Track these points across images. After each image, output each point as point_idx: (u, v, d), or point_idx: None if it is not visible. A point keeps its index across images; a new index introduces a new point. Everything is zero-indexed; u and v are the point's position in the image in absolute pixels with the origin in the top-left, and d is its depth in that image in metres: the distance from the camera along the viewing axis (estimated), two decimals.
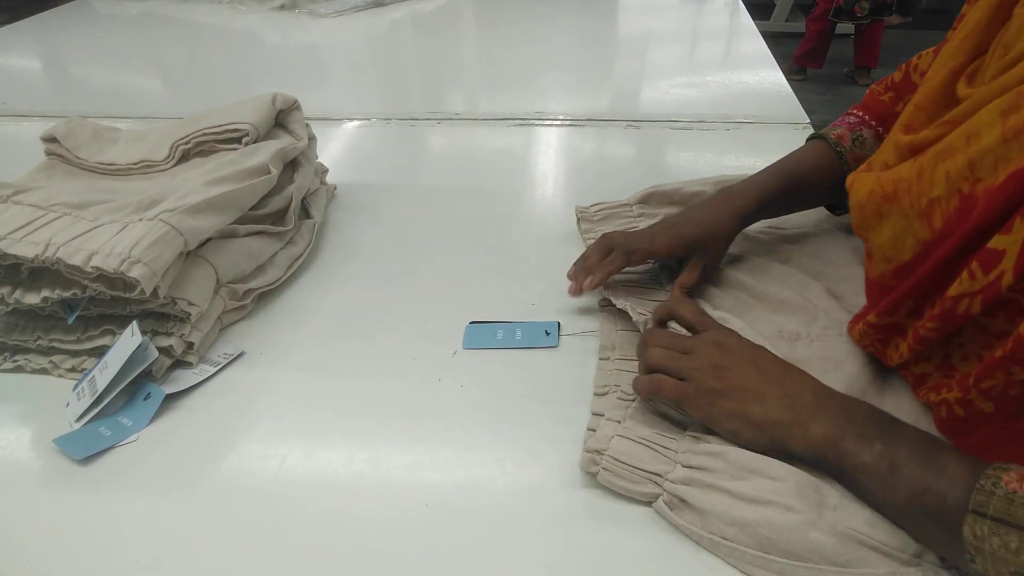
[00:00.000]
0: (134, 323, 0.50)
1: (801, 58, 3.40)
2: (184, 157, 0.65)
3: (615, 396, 0.47)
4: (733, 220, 0.57)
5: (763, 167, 0.60)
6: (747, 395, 0.42)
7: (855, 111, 0.62)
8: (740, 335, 0.47)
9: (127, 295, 0.50)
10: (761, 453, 0.40)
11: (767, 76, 1.07)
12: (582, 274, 0.56)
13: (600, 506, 0.42)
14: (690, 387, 0.43)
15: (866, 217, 0.45)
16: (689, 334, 0.48)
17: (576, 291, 0.56)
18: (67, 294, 0.51)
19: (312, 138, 0.71)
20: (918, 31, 3.63)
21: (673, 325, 0.50)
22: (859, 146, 0.59)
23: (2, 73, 1.25)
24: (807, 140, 0.63)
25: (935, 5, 4.07)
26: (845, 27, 3.33)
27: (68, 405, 0.50)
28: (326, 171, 0.77)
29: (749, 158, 0.81)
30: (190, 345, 0.53)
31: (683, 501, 0.40)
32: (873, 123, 0.61)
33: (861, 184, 0.46)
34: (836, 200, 0.64)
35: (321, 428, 0.48)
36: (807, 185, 0.60)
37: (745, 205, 0.57)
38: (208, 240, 0.56)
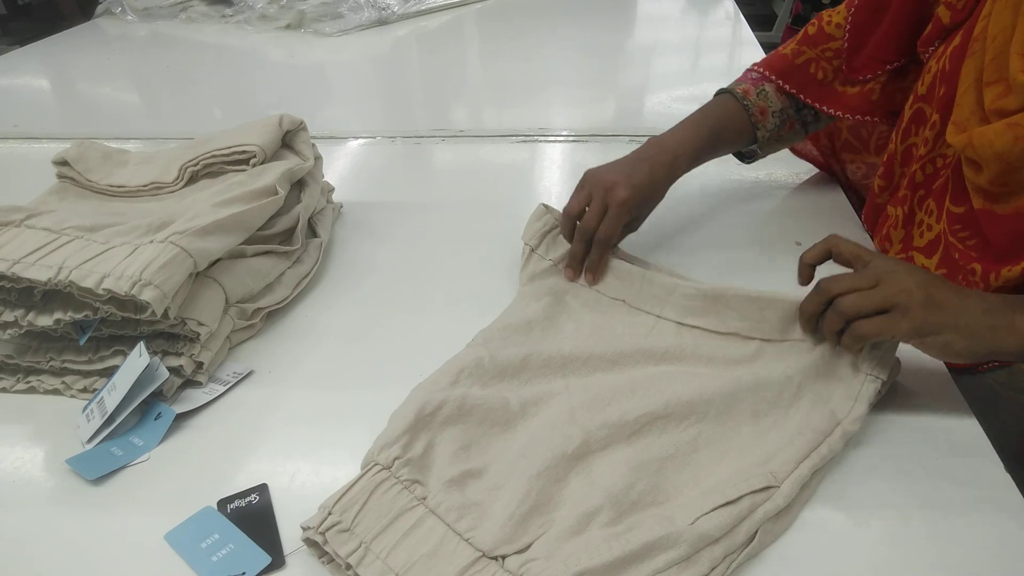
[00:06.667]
0: (141, 344, 0.51)
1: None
2: (193, 179, 0.66)
3: None
4: (669, 182, 0.64)
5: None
6: (950, 308, 0.44)
7: (756, 67, 0.69)
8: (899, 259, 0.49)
9: (138, 316, 0.51)
10: (973, 362, 0.45)
11: None
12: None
13: None
14: (899, 315, 0.44)
15: (1012, 163, 0.47)
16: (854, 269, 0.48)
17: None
18: (79, 316, 0.51)
19: (318, 158, 0.72)
20: None
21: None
22: (762, 99, 0.68)
23: (13, 95, 1.27)
24: (715, 95, 0.69)
25: None
26: None
27: (79, 427, 0.51)
28: (332, 190, 0.78)
29: (749, 171, 0.81)
30: (200, 365, 0.53)
31: None
32: (773, 77, 0.68)
33: (993, 135, 0.47)
34: (744, 149, 0.72)
35: (329, 445, 0.49)
36: (724, 140, 0.67)
37: (679, 167, 0.64)
38: (217, 260, 0.57)
